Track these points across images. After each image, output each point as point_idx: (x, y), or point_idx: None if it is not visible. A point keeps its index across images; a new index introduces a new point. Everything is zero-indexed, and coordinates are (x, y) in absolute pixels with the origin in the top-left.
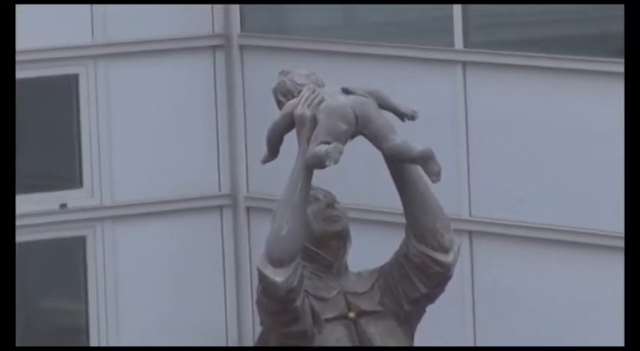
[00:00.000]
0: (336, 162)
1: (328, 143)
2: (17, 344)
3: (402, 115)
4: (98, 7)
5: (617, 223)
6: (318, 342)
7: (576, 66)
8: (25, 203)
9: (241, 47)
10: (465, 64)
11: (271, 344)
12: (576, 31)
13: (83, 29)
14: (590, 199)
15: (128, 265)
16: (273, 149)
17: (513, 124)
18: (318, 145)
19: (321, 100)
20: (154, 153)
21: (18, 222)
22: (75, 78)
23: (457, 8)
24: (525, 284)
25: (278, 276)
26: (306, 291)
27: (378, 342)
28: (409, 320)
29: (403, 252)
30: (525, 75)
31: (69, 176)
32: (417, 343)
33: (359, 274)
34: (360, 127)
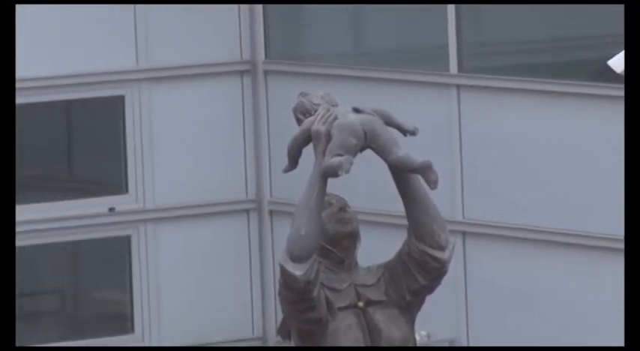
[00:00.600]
0: (347, 172)
1: (341, 156)
2: (70, 331)
3: (404, 131)
4: (141, 35)
5: (601, 226)
6: (332, 328)
7: (559, 89)
8: (78, 207)
9: (265, 72)
10: (459, 87)
11: (291, 330)
12: (560, 58)
13: (128, 55)
14: (574, 206)
15: (167, 261)
16: (293, 160)
17: (501, 140)
18: (332, 157)
19: (335, 118)
20: (190, 163)
21: (72, 223)
22: (122, 98)
23: (452, 38)
24: (514, 279)
25: (297, 270)
26: (322, 283)
27: (384, 328)
28: (410, 309)
29: (405, 250)
30: (512, 96)
31: (116, 183)
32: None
33: (367, 268)
34: (368, 142)
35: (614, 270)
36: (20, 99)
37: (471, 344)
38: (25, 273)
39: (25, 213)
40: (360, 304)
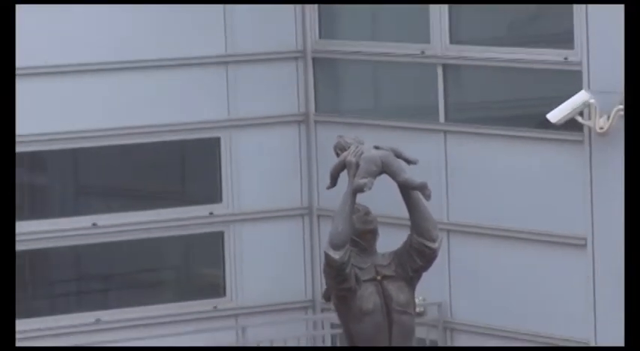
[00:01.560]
0: (369, 189)
1: (365, 178)
2: (182, 295)
3: (408, 161)
4: (231, 92)
5: (558, 227)
6: (359, 294)
7: (515, 133)
8: (189, 212)
9: (315, 122)
10: (445, 132)
11: (332, 296)
12: (514, 112)
13: (222, 107)
14: (534, 211)
15: (248, 249)
16: (333, 181)
17: (477, 169)
18: (360, 179)
19: (361, 153)
20: (264, 183)
21: (185, 222)
22: (218, 139)
23: (441, 97)
24: (484, 261)
25: (336, 255)
26: (352, 263)
27: (394, 294)
28: (412, 281)
29: (409, 242)
30: (484, 138)
31: (215, 196)
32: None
33: (383, 254)
34: (384, 169)
35: (571, 260)
36: (148, 139)
37: (453, 306)
38: (152, 255)
39: (151, 216)
40: (378, 277)
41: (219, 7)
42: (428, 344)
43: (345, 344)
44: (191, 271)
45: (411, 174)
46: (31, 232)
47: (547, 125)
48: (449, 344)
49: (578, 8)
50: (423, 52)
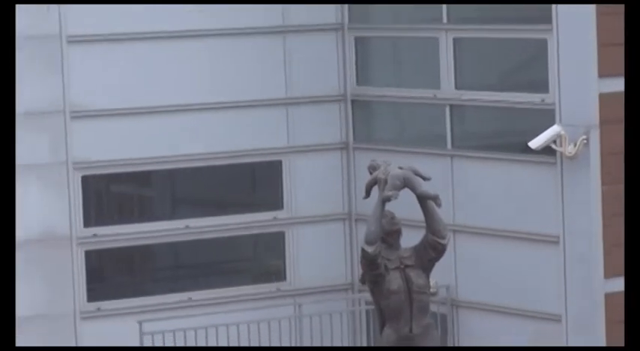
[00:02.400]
0: (395, 199)
1: (391, 191)
2: (254, 279)
3: (424, 178)
4: (292, 124)
5: (534, 228)
6: (387, 278)
7: (503, 157)
8: (258, 217)
9: (354, 148)
10: (452, 156)
11: (366, 280)
12: (504, 141)
13: (283, 136)
14: (518, 215)
15: (304, 245)
16: (367, 193)
17: (476, 185)
18: (387, 191)
19: (389, 172)
20: (315, 192)
21: (254, 224)
22: (280, 162)
23: (448, 128)
24: (481, 254)
25: (370, 249)
26: (382, 255)
27: (414, 279)
28: (428, 269)
29: (425, 239)
30: (485, 161)
31: (278, 205)
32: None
33: (405, 248)
34: (406, 184)
35: (547, 252)
36: (228, 161)
37: (458, 287)
38: (230, 249)
39: (230, 219)
40: (402, 266)
41: (281, 58)
42: (439, 317)
43: (376, 317)
44: (260, 261)
45: (426, 188)
46: (140, 232)
47: (529, 151)
48: (454, 317)
49: (552, 61)
50: (435, 96)
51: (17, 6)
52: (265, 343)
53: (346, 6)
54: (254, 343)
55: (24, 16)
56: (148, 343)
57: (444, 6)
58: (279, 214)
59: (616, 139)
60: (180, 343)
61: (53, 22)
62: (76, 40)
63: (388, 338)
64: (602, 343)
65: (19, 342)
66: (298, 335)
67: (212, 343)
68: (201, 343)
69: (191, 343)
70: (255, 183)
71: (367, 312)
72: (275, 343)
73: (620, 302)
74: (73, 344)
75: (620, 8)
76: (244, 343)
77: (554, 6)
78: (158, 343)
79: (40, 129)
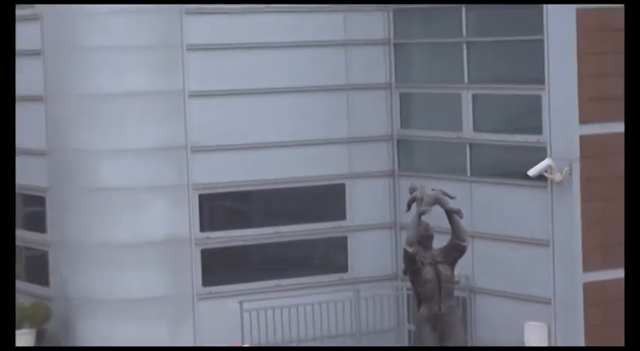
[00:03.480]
0: (428, 212)
1: (426, 207)
2: (323, 271)
3: (450, 197)
4: (352, 157)
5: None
6: (423, 271)
7: (517, 182)
8: (329, 225)
9: (398, 175)
10: (471, 182)
11: (408, 272)
12: (511, 169)
13: (344, 165)
14: (513, 223)
15: (361, 245)
16: (408, 208)
17: (489, 203)
18: (422, 207)
19: (424, 192)
20: (370, 208)
21: (325, 230)
22: (343, 185)
23: (468, 163)
24: (495, 256)
25: (410, 249)
26: (419, 254)
27: (443, 271)
28: (452, 264)
29: (450, 242)
30: (496, 186)
31: (342, 216)
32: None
33: (436, 248)
34: (437, 201)
35: (541, 252)
36: (306, 184)
37: (475, 277)
38: (307, 249)
39: (307, 227)
40: (434, 262)
41: (345, 110)
42: (460, 300)
43: (414, 300)
44: (329, 257)
45: (452, 204)
46: (241, 235)
47: (527, 177)
48: (472, 300)
49: (545, 112)
50: (458, 136)
51: (145, 66)
52: (332, 319)
53: (394, 69)
54: (324, 319)
55: (152, 75)
56: (246, 318)
57: (466, 69)
58: (343, 223)
59: (591, 169)
60: (269, 318)
61: (178, 80)
62: (195, 95)
63: (422, 315)
64: (581, 321)
65: (149, 316)
66: (356, 313)
67: (293, 319)
68: (285, 319)
69: (277, 319)
70: (326, 200)
71: (408, 296)
72: (339, 319)
73: (594, 289)
74: (190, 321)
75: (600, 70)
76: (317, 319)
77: (546, 71)
78: (254, 318)
79: (169, 160)
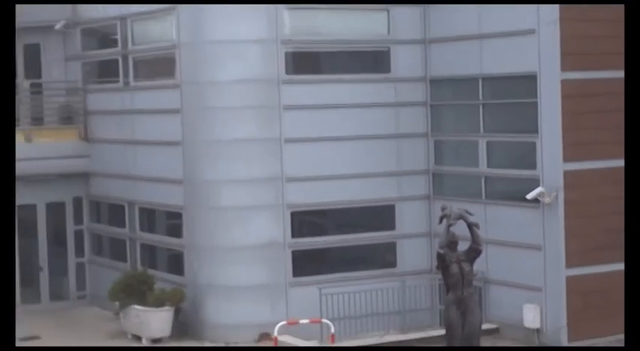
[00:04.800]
0: (454, 224)
1: (453, 220)
2: (375, 269)
3: (470, 214)
4: (400, 185)
5: (515, 237)
6: (451, 268)
7: (518, 204)
8: (382, 233)
9: (433, 198)
10: (485, 204)
11: (440, 268)
12: (510, 190)
13: (394, 190)
14: (511, 233)
15: (405, 249)
16: (440, 221)
17: (498, 219)
18: (450, 220)
19: (452, 210)
20: (412, 221)
21: (379, 238)
22: (394, 206)
23: (483, 190)
24: (503, 257)
25: (441, 251)
26: (448, 254)
27: (465, 268)
28: (472, 262)
29: (470, 246)
30: (503, 207)
31: (391, 227)
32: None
33: (460, 251)
34: (461, 216)
35: (534, 255)
36: (362, 204)
37: (488, 271)
38: (368, 251)
39: (366, 234)
40: (458, 261)
41: (395, 153)
42: (477, 288)
43: (444, 288)
44: (382, 257)
45: (472, 219)
46: (321, 241)
47: (526, 200)
48: (485, 288)
49: (539, 154)
50: (476, 171)
51: (253, 120)
52: (384, 301)
53: (430, 123)
54: (379, 301)
55: (258, 126)
56: (323, 300)
57: (481, 123)
58: (393, 232)
59: (572, 195)
60: (340, 300)
61: (276, 130)
62: (289, 140)
63: (449, 299)
64: (564, 303)
65: (255, 298)
66: (401, 297)
67: (357, 301)
68: (351, 301)
69: (345, 300)
70: (381, 216)
71: (439, 285)
72: (390, 301)
73: (574, 281)
74: (284, 302)
75: (578, 124)
76: (373, 301)
77: (539, 124)
78: (329, 300)
79: (270, 187)
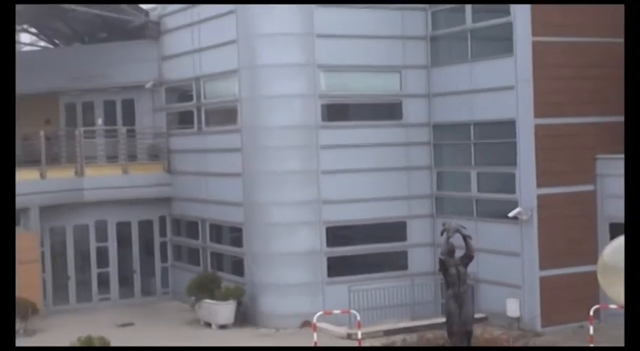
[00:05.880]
0: (453, 236)
1: (451, 233)
2: (389, 271)
3: (464, 228)
4: (410, 204)
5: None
6: (450, 270)
7: (501, 221)
8: (395, 244)
9: (436, 216)
10: (476, 220)
11: (442, 270)
12: (496, 209)
13: (405, 209)
14: (501, 241)
15: (414, 255)
16: (441, 234)
17: (486, 232)
18: (449, 233)
19: (451, 225)
20: (420, 235)
21: (392, 248)
22: (405, 223)
23: (475, 209)
24: (492, 262)
25: (442, 257)
26: (447, 260)
27: (462, 270)
28: (466, 266)
29: (465, 253)
30: (489, 223)
31: (404, 238)
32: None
33: (457, 257)
34: (458, 231)
35: (515, 261)
36: (385, 221)
37: (479, 273)
38: (384, 257)
39: (382, 245)
40: (455, 264)
41: (405, 182)
42: (471, 286)
43: (444, 285)
44: (397, 262)
45: (466, 232)
46: (348, 250)
47: (508, 218)
48: (477, 286)
49: (517, 181)
50: (468, 195)
51: (297, 157)
52: (398, 296)
53: (433, 157)
54: (393, 296)
55: (300, 161)
56: (352, 296)
57: (473, 158)
58: (405, 242)
59: (543, 213)
60: (364, 295)
61: (315, 163)
62: (325, 172)
63: (449, 294)
64: (538, 298)
65: (299, 293)
66: (411, 294)
67: (377, 296)
68: (372, 296)
69: (368, 295)
70: (395, 230)
71: (441, 284)
72: (402, 296)
73: (546, 280)
74: (321, 297)
75: (547, 158)
76: (389, 296)
77: (518, 159)
78: (356, 295)
79: (310, 208)
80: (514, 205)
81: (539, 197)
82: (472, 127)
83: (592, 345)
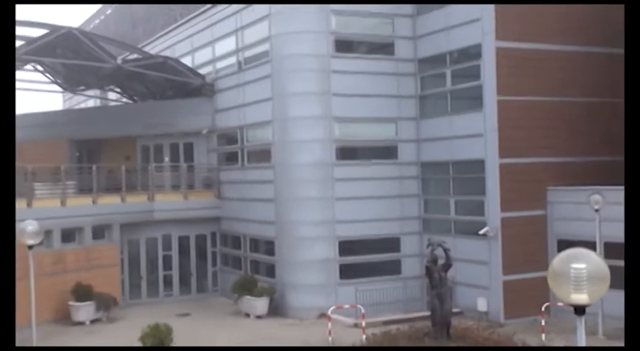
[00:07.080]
0: (435, 249)
1: (435, 247)
2: (390, 275)
3: (444, 242)
4: (403, 224)
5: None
6: (434, 275)
7: (474, 237)
8: (391, 253)
9: (423, 233)
10: (455, 236)
11: (427, 275)
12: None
13: (397, 228)
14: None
15: (407, 261)
16: (427, 246)
17: (463, 244)
18: (433, 246)
19: (435, 240)
20: (413, 246)
21: (389, 256)
22: (399, 239)
23: (453, 228)
24: (470, 267)
25: (427, 264)
26: (431, 267)
27: (442, 275)
28: (447, 271)
29: (445, 262)
30: (464, 238)
31: (398, 249)
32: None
33: (439, 264)
34: (440, 245)
35: (483, 269)
36: (382, 236)
37: (456, 277)
38: (382, 264)
39: (378, 255)
40: (438, 270)
41: (399, 208)
42: (449, 287)
43: (429, 286)
44: (393, 268)
45: (447, 245)
46: (354, 258)
47: (478, 235)
48: (455, 288)
49: (486, 208)
50: (447, 218)
51: (315, 184)
52: (395, 296)
53: (421, 188)
54: (390, 295)
55: (318, 189)
56: (358, 295)
57: (451, 189)
58: (399, 253)
59: (506, 232)
60: (367, 294)
61: (330, 191)
62: (338, 198)
63: (433, 293)
64: (502, 298)
65: (317, 292)
66: (404, 293)
67: (378, 294)
68: (373, 294)
69: (371, 294)
70: (390, 244)
71: (426, 285)
72: (397, 295)
73: (508, 283)
74: (334, 295)
75: (509, 189)
76: (387, 295)
77: (487, 190)
78: (361, 294)
79: (326, 227)
80: (483, 224)
81: (503, 219)
82: (451, 165)
83: (544, 334)
